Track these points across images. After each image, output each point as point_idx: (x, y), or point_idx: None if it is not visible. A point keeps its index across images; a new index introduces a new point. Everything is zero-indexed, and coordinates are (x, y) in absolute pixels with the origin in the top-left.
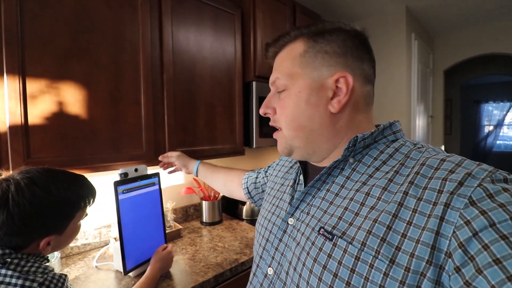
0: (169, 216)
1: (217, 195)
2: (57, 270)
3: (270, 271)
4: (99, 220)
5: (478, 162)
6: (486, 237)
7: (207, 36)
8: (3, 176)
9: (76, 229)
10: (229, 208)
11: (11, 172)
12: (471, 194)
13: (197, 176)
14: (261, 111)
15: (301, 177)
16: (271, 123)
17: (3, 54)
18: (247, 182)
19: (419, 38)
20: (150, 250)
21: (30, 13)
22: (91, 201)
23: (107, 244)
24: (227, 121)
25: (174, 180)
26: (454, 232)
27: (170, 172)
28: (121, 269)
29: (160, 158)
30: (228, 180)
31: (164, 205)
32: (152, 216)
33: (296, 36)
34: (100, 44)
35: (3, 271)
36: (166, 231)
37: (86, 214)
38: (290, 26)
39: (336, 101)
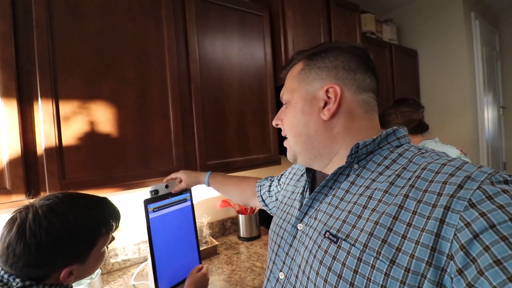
0: (205, 231)
1: (254, 208)
2: (98, 286)
3: (281, 275)
4: (138, 236)
5: (479, 165)
6: (487, 238)
7: (234, 42)
8: (25, 203)
9: (100, 256)
10: (267, 221)
11: (47, 193)
12: (471, 197)
13: (208, 186)
14: (273, 123)
15: (309, 185)
16: (282, 132)
17: (37, 78)
18: (260, 190)
19: (480, 16)
20: (184, 270)
21: (59, 37)
22: (113, 226)
23: (146, 260)
24: (259, 129)
25: (209, 193)
26: (455, 234)
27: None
28: None
29: (165, 181)
30: (241, 190)
31: (199, 220)
32: (185, 234)
33: (299, 59)
34: (126, 59)
35: None
36: (202, 248)
37: (113, 239)
38: (324, 20)
39: (326, 109)
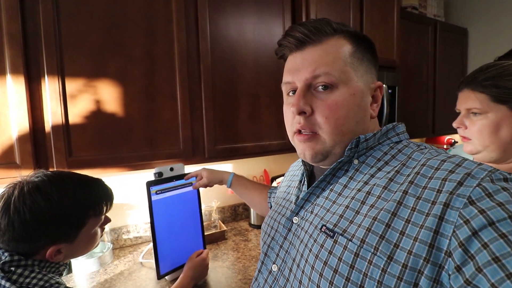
0: (214, 215)
1: None
2: (109, 260)
3: (275, 267)
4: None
5: (478, 162)
6: (486, 236)
7: (250, 18)
8: (18, 178)
9: (92, 237)
10: None
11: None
12: (470, 194)
13: (230, 187)
14: (297, 109)
15: (306, 178)
16: (303, 125)
17: (43, 55)
18: (270, 197)
19: None
20: (187, 254)
21: (66, 12)
22: (103, 208)
23: None
24: (274, 114)
25: None
26: (454, 231)
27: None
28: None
29: (186, 178)
30: (263, 198)
31: (209, 204)
32: (190, 218)
33: (337, 31)
34: (133, 37)
35: (3, 282)
36: (210, 232)
37: (108, 220)
38: None
39: (375, 106)
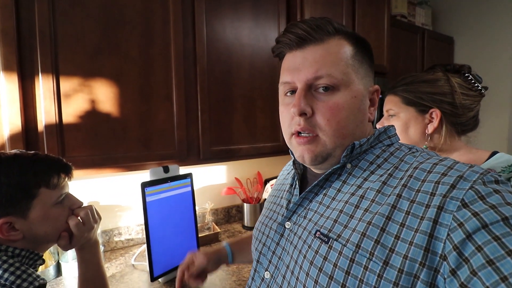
0: (207, 217)
1: (260, 197)
2: None
3: (267, 275)
4: (142, 217)
5: (470, 164)
6: (479, 238)
7: (246, 22)
8: None
9: (51, 213)
10: None
11: None
12: (463, 197)
13: (233, 263)
14: (298, 110)
15: (297, 182)
16: (303, 127)
17: (38, 54)
18: None
19: None
20: (181, 256)
21: (61, 12)
22: (55, 178)
23: None
24: (268, 116)
25: (214, 179)
26: (448, 234)
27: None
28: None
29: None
30: None
31: (202, 206)
32: (184, 220)
33: (338, 32)
34: (129, 37)
35: None
36: (204, 234)
37: (77, 202)
38: (348, 0)
39: (373, 109)
